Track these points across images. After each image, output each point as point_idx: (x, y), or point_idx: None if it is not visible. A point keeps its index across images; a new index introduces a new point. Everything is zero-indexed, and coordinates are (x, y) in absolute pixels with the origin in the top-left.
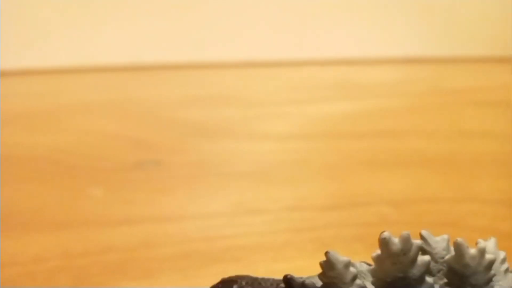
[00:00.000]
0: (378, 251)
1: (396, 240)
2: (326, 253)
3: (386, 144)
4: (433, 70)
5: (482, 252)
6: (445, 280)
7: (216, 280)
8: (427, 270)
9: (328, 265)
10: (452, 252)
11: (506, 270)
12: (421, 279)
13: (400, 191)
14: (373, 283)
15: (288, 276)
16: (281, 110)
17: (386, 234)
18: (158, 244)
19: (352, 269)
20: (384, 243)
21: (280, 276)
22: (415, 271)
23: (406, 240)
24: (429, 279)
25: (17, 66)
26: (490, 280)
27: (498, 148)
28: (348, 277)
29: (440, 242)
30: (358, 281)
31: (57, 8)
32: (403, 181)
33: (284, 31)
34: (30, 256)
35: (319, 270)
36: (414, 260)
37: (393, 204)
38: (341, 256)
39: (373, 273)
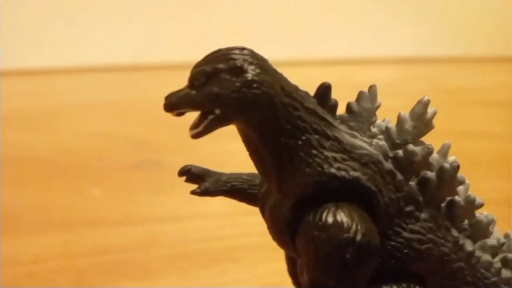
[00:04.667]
0: (404, 112)
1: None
2: (371, 87)
3: None
4: (433, 70)
5: None
6: None
7: (216, 280)
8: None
9: (365, 96)
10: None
11: None
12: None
13: None
14: (384, 139)
15: (327, 84)
16: None
17: (426, 98)
18: (158, 244)
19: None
20: (420, 103)
21: (279, 276)
22: (416, 142)
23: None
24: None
25: (17, 66)
26: None
27: (498, 148)
28: (373, 119)
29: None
30: (375, 129)
31: (57, 8)
32: None
33: (285, 32)
34: (30, 256)
35: None
36: (426, 131)
37: None
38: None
39: (387, 130)
